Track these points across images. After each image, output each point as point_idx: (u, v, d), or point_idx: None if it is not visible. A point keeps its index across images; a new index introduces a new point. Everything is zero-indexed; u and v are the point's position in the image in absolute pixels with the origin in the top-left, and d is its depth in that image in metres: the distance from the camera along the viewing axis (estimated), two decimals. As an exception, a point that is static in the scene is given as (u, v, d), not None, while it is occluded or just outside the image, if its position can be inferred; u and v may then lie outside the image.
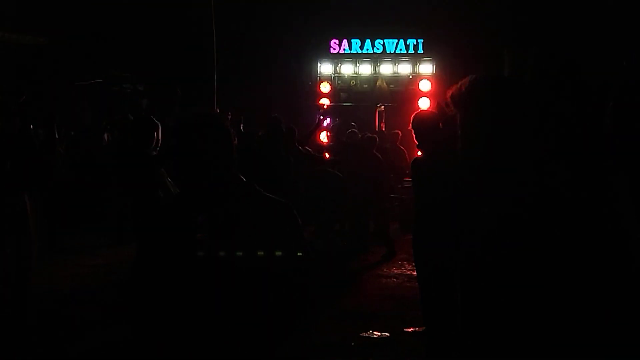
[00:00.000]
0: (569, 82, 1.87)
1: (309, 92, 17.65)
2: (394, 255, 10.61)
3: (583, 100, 1.85)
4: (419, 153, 6.88)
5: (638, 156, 2.25)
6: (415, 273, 8.31)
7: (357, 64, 17.61)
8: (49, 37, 16.16)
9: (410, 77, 17.28)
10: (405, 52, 17.39)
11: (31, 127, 6.76)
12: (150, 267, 3.16)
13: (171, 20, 17.68)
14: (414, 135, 6.55)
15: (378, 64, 17.49)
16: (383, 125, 16.70)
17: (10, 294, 5.54)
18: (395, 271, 9.99)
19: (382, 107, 17.12)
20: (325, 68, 17.65)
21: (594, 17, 14.16)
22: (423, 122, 6.43)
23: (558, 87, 1.88)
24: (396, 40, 17.38)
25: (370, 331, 7.23)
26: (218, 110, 14.39)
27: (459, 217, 2.82)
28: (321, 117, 13.73)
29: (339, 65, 17.72)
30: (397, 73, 17.47)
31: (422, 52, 17.29)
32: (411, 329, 7.28)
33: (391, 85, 17.49)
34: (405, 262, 10.20)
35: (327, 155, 12.34)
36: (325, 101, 17.06)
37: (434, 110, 7.32)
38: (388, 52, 17.49)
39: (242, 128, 11.93)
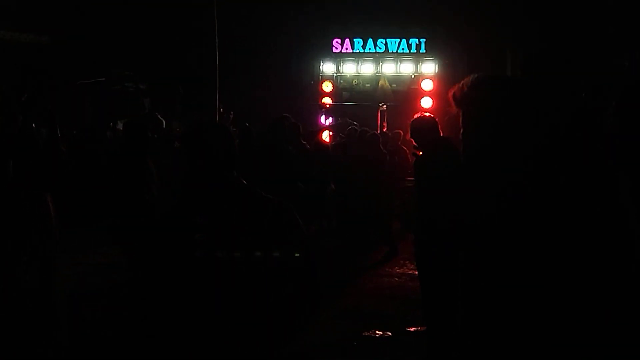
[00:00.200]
0: (558, 81, 1.87)
1: (311, 91, 17.66)
2: (397, 254, 10.60)
3: (583, 100, 1.85)
4: (420, 153, 6.89)
5: (639, 157, 2.24)
6: (417, 272, 8.32)
7: (360, 63, 17.61)
8: (51, 35, 16.17)
9: (413, 76, 17.28)
10: (408, 51, 17.38)
11: (33, 125, 6.76)
12: (155, 267, 3.21)
13: (173, 19, 17.69)
14: (413, 142, 6.60)
15: (380, 63, 17.49)
16: (385, 124, 16.69)
17: (34, 297, 5.51)
18: (398, 270, 9.98)
19: (385, 106, 17.11)
20: (327, 67, 17.65)
21: (596, 17, 14.15)
22: (421, 127, 6.46)
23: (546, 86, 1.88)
24: (398, 40, 17.38)
25: (372, 330, 7.23)
26: (221, 110, 14.41)
27: (460, 216, 2.82)
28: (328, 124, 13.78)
29: (341, 64, 17.72)
30: (400, 72, 17.46)
31: (424, 51, 17.28)
32: (413, 329, 7.27)
33: (393, 85, 17.48)
34: (407, 262, 10.19)
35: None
36: (327, 100, 17.07)
37: (430, 114, 7.34)
38: (390, 51, 17.49)
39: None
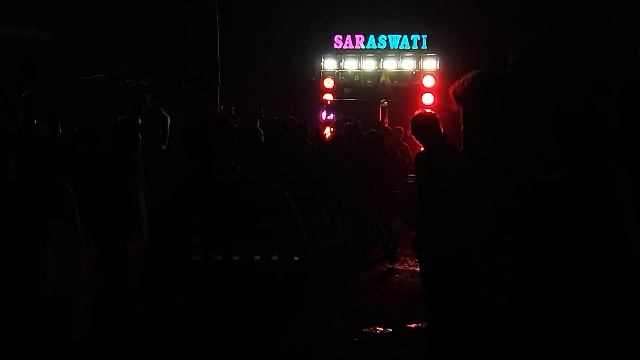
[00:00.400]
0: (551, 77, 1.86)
1: (312, 87, 17.63)
2: (397, 251, 10.60)
3: (583, 96, 1.85)
4: (422, 148, 6.89)
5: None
6: (418, 269, 8.32)
7: (361, 60, 17.58)
8: (52, 32, 16.17)
9: (414, 72, 17.25)
10: (409, 47, 17.35)
11: (35, 122, 6.77)
12: (158, 261, 3.27)
13: (175, 15, 17.68)
14: (415, 139, 6.61)
15: (382, 60, 17.46)
16: (386, 120, 16.67)
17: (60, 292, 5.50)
18: (398, 267, 9.99)
19: (386, 102, 17.09)
20: (328, 64, 17.63)
21: (600, 11, 14.12)
22: (421, 124, 6.47)
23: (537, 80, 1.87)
24: (400, 36, 17.35)
25: (373, 327, 7.24)
26: (222, 107, 14.39)
27: (461, 214, 2.82)
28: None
29: (343, 60, 17.69)
30: (401, 69, 17.44)
31: (426, 47, 17.25)
32: (414, 325, 7.28)
33: (395, 81, 17.46)
34: (408, 258, 10.20)
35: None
36: (328, 97, 17.06)
37: (431, 111, 7.33)
38: (392, 47, 17.46)
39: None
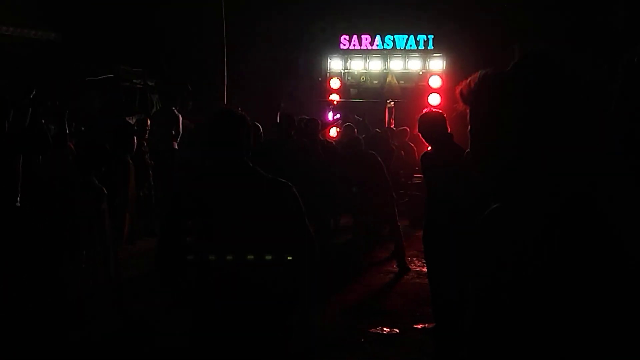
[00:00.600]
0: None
1: (318, 88, 17.64)
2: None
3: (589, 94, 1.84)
4: (429, 148, 6.88)
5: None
6: (424, 269, 8.31)
7: (367, 60, 17.58)
8: (59, 32, 16.22)
9: (421, 73, 17.24)
10: (416, 47, 17.34)
11: (43, 122, 6.80)
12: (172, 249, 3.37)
13: (182, 16, 17.70)
14: (421, 137, 6.59)
15: (388, 60, 17.45)
16: (392, 121, 16.67)
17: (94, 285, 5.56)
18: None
19: (392, 103, 17.08)
20: (335, 64, 17.64)
21: (603, 13, 14.08)
22: (428, 123, 6.45)
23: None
24: (406, 36, 17.34)
25: (380, 327, 7.23)
26: (225, 103, 14.42)
27: (468, 215, 2.82)
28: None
29: (349, 61, 17.70)
30: (407, 69, 17.43)
31: (432, 48, 17.24)
32: (420, 326, 7.27)
33: (401, 81, 17.46)
34: (414, 259, 10.18)
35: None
36: (335, 97, 17.06)
37: (438, 110, 7.30)
38: (398, 47, 17.45)
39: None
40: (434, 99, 15.69)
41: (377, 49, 17.53)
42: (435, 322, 6.68)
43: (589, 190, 1.73)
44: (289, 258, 3.24)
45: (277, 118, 11.17)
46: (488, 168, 1.87)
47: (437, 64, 16.98)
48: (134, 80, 15.43)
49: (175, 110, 12.59)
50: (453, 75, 16.00)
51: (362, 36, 17.56)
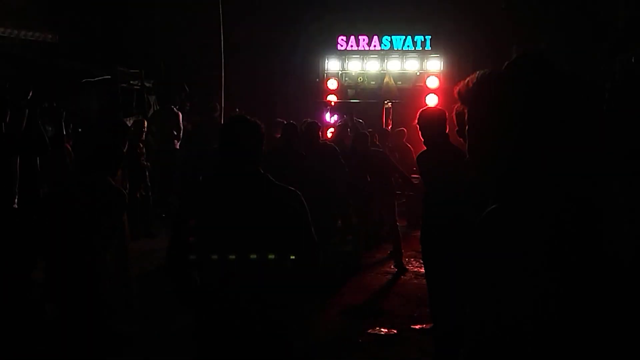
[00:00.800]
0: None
1: (316, 88, 17.63)
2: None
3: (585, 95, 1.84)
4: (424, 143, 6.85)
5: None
6: (422, 270, 8.31)
7: (365, 61, 17.56)
8: (57, 33, 16.20)
9: (418, 73, 17.22)
10: (413, 48, 17.33)
11: (40, 123, 6.79)
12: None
13: (179, 17, 17.70)
14: (419, 132, 6.56)
15: (385, 61, 17.44)
16: (390, 122, 16.67)
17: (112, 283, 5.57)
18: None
19: (390, 103, 17.08)
20: (332, 65, 17.61)
21: (603, 13, 14.09)
22: (429, 119, 6.43)
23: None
24: (404, 37, 17.32)
25: (378, 328, 7.23)
26: (222, 104, 14.41)
27: (466, 215, 2.82)
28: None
29: (346, 61, 17.67)
30: (405, 70, 17.41)
31: (429, 48, 17.22)
32: (418, 326, 7.28)
33: (398, 82, 17.44)
34: (412, 259, 10.18)
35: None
36: (332, 98, 17.05)
37: (440, 108, 7.28)
38: (395, 48, 17.44)
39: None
40: (432, 100, 15.68)
41: (375, 50, 17.51)
42: (433, 323, 6.68)
43: (587, 189, 1.73)
44: (292, 257, 3.30)
45: (276, 124, 11.17)
46: (486, 168, 1.87)
47: (435, 64, 16.97)
48: (131, 82, 15.41)
49: (175, 109, 12.59)
50: (450, 76, 15.99)
51: (360, 37, 17.55)
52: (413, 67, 17.30)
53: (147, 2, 17.42)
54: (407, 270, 9.75)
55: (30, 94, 6.97)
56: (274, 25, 18.28)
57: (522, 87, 1.79)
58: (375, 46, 17.50)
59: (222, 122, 14.23)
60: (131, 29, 16.74)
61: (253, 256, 3.22)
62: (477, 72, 1.88)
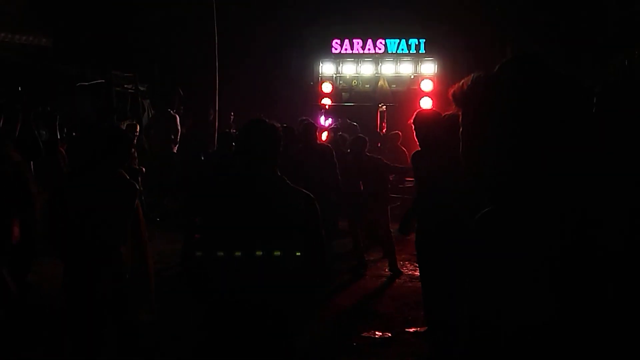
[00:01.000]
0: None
1: (310, 92, 17.65)
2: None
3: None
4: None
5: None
6: (417, 273, 8.31)
7: (359, 64, 17.60)
8: (51, 37, 16.18)
9: (412, 77, 17.27)
10: (407, 51, 17.37)
11: (34, 127, 6.78)
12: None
13: (173, 21, 17.69)
14: (414, 132, 6.55)
15: (380, 64, 17.48)
16: (385, 125, 16.69)
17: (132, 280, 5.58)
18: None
19: (384, 107, 17.09)
20: (327, 68, 17.65)
21: (596, 15, 14.14)
22: (424, 121, 6.43)
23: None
24: (398, 40, 17.37)
25: (372, 331, 7.23)
26: (215, 109, 14.43)
27: (460, 217, 2.82)
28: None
29: (341, 65, 17.71)
30: (399, 73, 17.46)
31: (423, 51, 17.27)
32: (413, 329, 7.27)
33: (393, 85, 17.48)
34: (406, 262, 10.18)
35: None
36: (327, 101, 17.07)
37: (436, 110, 7.29)
38: (390, 52, 17.48)
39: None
40: (426, 103, 15.72)
41: (369, 53, 17.55)
42: (428, 326, 6.68)
43: (583, 190, 1.74)
44: (297, 254, 3.39)
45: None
46: (480, 170, 1.87)
47: (429, 67, 17.01)
48: (125, 85, 15.40)
49: (172, 112, 12.59)
50: (444, 79, 16.04)
51: (354, 40, 17.58)
52: (407, 70, 17.34)
53: (141, 6, 17.41)
54: (401, 273, 9.75)
55: (24, 98, 6.96)
56: (269, 29, 18.29)
57: (516, 88, 1.79)
58: (369, 49, 17.53)
59: (217, 126, 14.26)
60: (125, 33, 16.72)
61: (259, 253, 3.31)
62: (472, 74, 1.89)
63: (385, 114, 17.07)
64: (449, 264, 3.99)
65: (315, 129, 9.97)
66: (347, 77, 17.79)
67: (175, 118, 12.51)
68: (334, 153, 9.53)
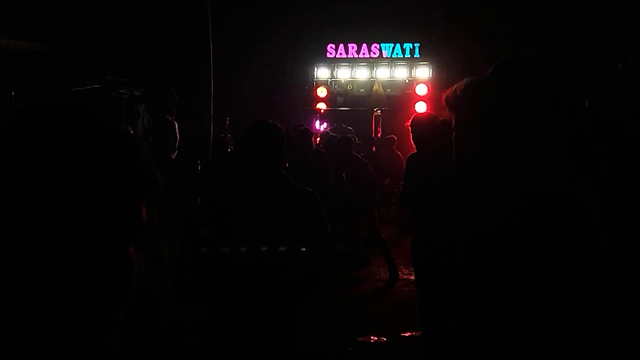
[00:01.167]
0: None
1: (305, 96, 17.65)
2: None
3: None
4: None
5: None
6: (412, 277, 8.29)
7: (354, 69, 17.61)
8: (45, 42, 16.14)
9: (407, 81, 17.28)
10: (402, 56, 17.40)
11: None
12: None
13: (168, 26, 17.68)
14: (411, 135, 6.54)
15: (374, 68, 17.50)
16: (380, 129, 16.70)
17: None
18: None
19: (379, 111, 17.11)
20: (321, 72, 17.65)
21: (591, 20, 14.17)
22: (421, 124, 6.42)
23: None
24: (392, 45, 17.40)
25: (367, 336, 7.21)
26: (212, 113, 14.41)
27: (455, 222, 2.82)
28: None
29: (336, 69, 17.72)
30: (394, 77, 17.47)
31: (418, 56, 17.30)
32: (408, 334, 7.26)
33: (388, 90, 17.50)
34: (402, 267, 10.16)
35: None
36: (321, 106, 17.07)
37: (433, 113, 7.27)
38: (384, 56, 17.50)
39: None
40: (421, 107, 15.72)
41: (364, 57, 17.57)
42: (423, 330, 6.66)
43: (567, 191, 1.74)
44: (302, 249, 3.49)
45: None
46: (473, 174, 1.87)
47: (423, 72, 17.03)
48: (120, 90, 15.37)
49: (170, 119, 12.57)
50: (439, 83, 16.05)
51: (349, 45, 17.60)
52: (402, 74, 17.36)
53: (136, 11, 17.39)
54: (397, 277, 9.74)
55: (18, 104, 6.94)
56: (264, 34, 18.29)
57: (508, 92, 1.79)
58: (364, 54, 17.55)
59: (212, 131, 14.24)
60: (120, 37, 16.70)
61: (264, 248, 3.40)
62: (466, 78, 1.88)
63: (380, 118, 17.08)
64: (443, 268, 3.99)
65: (311, 135, 9.96)
66: (342, 82, 17.80)
67: (174, 125, 12.49)
68: (328, 160, 9.52)
